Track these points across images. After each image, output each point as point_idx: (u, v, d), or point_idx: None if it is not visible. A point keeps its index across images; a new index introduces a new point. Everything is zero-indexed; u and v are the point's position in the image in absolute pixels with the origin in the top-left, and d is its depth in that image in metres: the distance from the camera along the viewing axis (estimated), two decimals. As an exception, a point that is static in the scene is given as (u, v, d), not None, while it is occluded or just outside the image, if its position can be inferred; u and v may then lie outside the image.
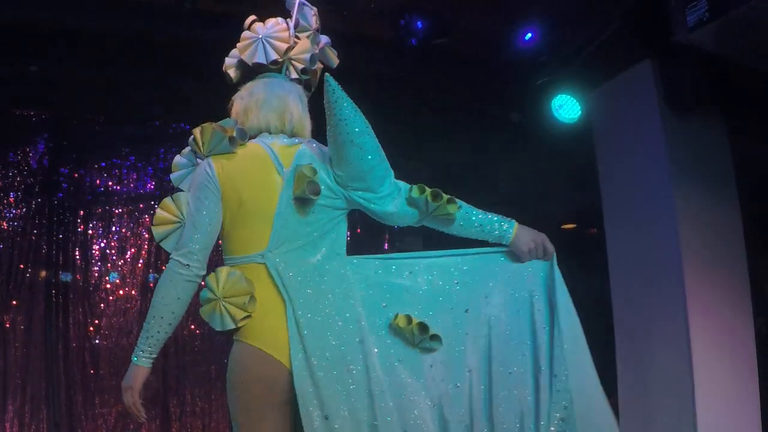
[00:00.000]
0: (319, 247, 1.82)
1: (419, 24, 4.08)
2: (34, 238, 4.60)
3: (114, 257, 4.55)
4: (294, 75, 1.99)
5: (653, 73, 3.95)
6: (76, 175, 4.64)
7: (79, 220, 4.61)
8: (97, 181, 4.67)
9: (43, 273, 4.61)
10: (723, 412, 3.57)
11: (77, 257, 4.58)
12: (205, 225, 1.79)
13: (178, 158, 1.96)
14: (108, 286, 4.56)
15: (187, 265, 1.76)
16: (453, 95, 4.55)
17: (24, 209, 4.62)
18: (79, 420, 4.49)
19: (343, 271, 1.84)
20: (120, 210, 4.64)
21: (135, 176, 4.69)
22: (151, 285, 4.53)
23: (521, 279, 1.93)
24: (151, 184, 4.65)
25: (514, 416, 1.78)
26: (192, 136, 1.88)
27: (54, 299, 4.55)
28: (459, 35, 4.13)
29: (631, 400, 3.95)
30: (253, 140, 1.90)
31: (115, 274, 4.59)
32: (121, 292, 4.56)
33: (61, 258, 4.57)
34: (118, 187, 4.66)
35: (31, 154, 4.66)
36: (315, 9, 2.03)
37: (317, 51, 2.04)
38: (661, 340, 3.83)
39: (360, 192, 1.84)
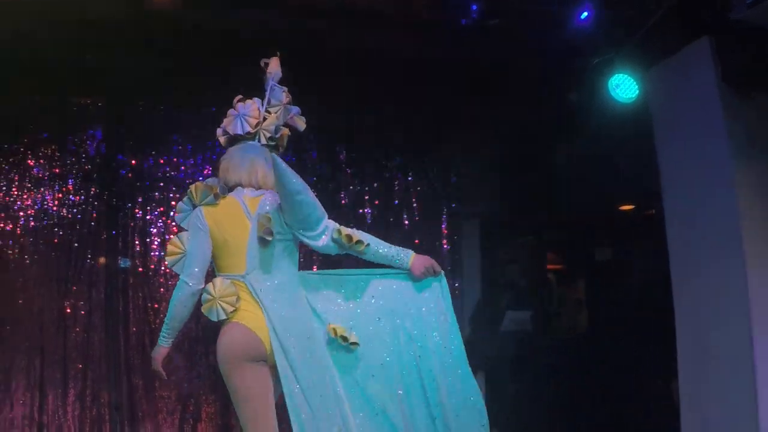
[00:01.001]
0: (279, 269, 2.58)
1: (473, 6, 4.07)
2: (93, 224, 4.67)
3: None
4: (263, 141, 2.72)
5: (711, 50, 3.84)
6: (134, 161, 4.69)
7: (137, 206, 4.66)
8: (155, 168, 4.71)
9: (103, 259, 4.68)
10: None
11: (136, 243, 4.63)
12: (199, 256, 2.57)
13: (180, 204, 2.73)
14: (167, 270, 4.59)
15: (189, 283, 2.54)
16: (509, 76, 4.52)
17: (83, 196, 4.70)
18: (140, 403, 4.55)
19: (296, 288, 2.63)
20: (178, 195, 4.67)
21: (192, 162, 4.73)
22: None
23: (418, 295, 2.68)
24: (208, 170, 4.68)
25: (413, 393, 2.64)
26: (189, 191, 2.66)
27: (114, 284, 4.62)
28: (513, 15, 4.10)
29: (690, 378, 3.92)
30: (231, 193, 2.66)
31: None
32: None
33: (120, 244, 4.63)
34: (175, 173, 4.70)
35: (89, 142, 4.73)
36: (285, 88, 2.79)
37: (282, 122, 2.77)
38: (721, 321, 3.78)
39: (301, 231, 2.58)
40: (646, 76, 4.20)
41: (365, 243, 2.62)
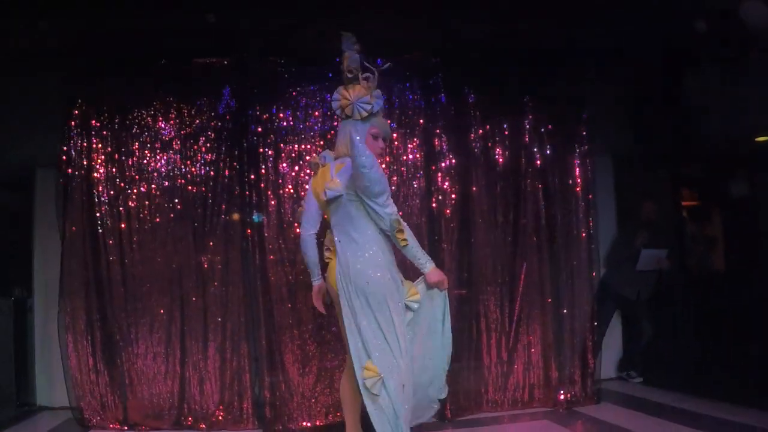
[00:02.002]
0: (353, 225, 3.25)
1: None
2: (226, 180, 4.76)
3: (305, 195, 4.62)
4: (354, 112, 3.26)
5: None
6: (264, 116, 4.73)
7: (269, 161, 4.72)
8: (284, 122, 4.75)
9: (237, 213, 4.76)
10: None
11: (270, 196, 4.69)
12: (307, 212, 3.58)
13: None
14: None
15: (303, 229, 3.59)
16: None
17: (214, 154, 4.78)
18: (279, 353, 4.62)
19: (371, 244, 3.25)
20: (308, 147, 4.72)
21: (319, 114, 4.75)
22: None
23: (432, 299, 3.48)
24: (337, 121, 4.71)
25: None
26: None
27: (249, 238, 4.69)
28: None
29: None
30: (332, 161, 3.47)
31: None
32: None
33: (254, 198, 4.70)
34: (303, 126, 4.73)
35: (216, 100, 4.81)
36: (346, 53, 3.27)
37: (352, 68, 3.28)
38: None
39: (365, 197, 3.18)
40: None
41: (407, 241, 3.25)
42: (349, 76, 3.27)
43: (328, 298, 3.63)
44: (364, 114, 3.23)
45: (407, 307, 3.33)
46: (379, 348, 3.15)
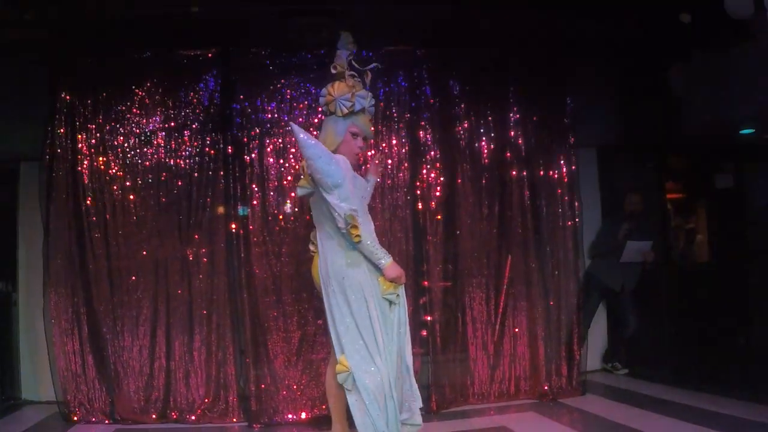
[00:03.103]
0: (328, 220, 3.29)
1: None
2: (210, 173, 4.74)
3: (290, 187, 4.63)
4: (338, 107, 3.40)
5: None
6: (249, 108, 4.71)
7: (253, 153, 4.70)
8: (269, 114, 4.73)
9: (222, 206, 4.75)
10: None
11: (254, 188, 4.67)
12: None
13: None
14: (287, 212, 4.65)
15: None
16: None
17: (199, 146, 4.77)
18: (265, 346, 4.60)
19: (341, 238, 3.27)
20: (293, 139, 4.69)
21: (305, 104, 4.73)
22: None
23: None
24: (319, 114, 4.71)
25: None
26: None
27: (234, 230, 4.67)
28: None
29: None
30: None
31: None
32: (298, 219, 4.64)
33: (238, 190, 4.68)
34: (288, 117, 4.70)
35: (201, 92, 4.79)
36: (339, 52, 3.51)
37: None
38: None
39: (321, 190, 3.22)
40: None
41: (360, 237, 3.19)
42: (333, 71, 3.45)
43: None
44: (345, 111, 3.36)
45: (389, 302, 3.30)
46: (351, 344, 3.19)
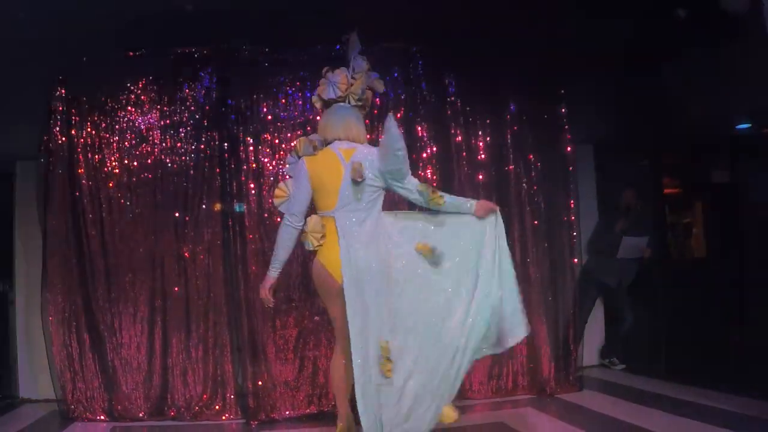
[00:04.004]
0: (364, 209, 3.19)
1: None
2: (206, 170, 4.75)
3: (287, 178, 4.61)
4: (353, 102, 3.42)
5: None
6: (243, 105, 4.71)
7: (249, 149, 4.70)
8: (264, 110, 4.73)
9: (218, 203, 4.75)
10: None
11: (251, 185, 4.67)
12: (300, 199, 3.27)
13: (288, 157, 3.51)
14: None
15: (291, 221, 3.26)
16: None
17: (195, 144, 4.77)
18: (262, 343, 4.60)
19: (378, 227, 3.20)
20: (289, 135, 4.70)
21: (301, 102, 4.72)
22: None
23: (481, 230, 3.28)
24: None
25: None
26: (294, 145, 3.43)
27: (230, 228, 4.67)
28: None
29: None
30: (328, 145, 3.30)
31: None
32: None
33: (234, 187, 4.68)
34: (285, 114, 4.71)
35: (197, 90, 4.79)
36: (365, 57, 3.48)
37: (365, 86, 3.46)
38: None
39: (391, 179, 3.21)
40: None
41: (443, 197, 3.24)
42: (353, 79, 3.47)
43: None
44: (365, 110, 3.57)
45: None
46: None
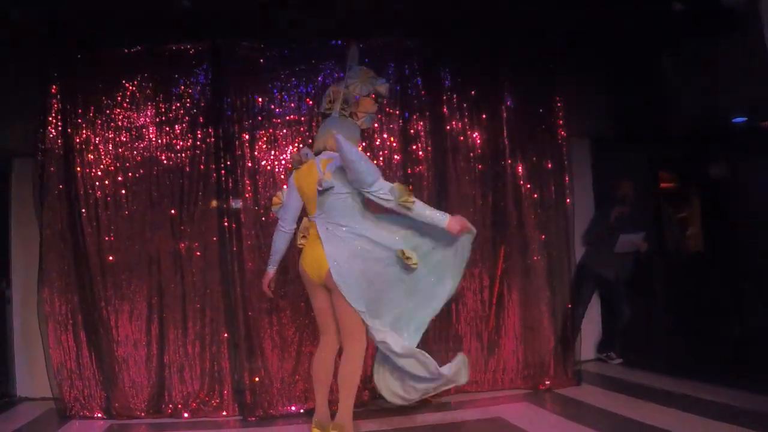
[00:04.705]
0: (341, 215, 3.47)
1: None
2: (202, 167, 4.74)
3: (282, 179, 4.62)
4: (338, 113, 3.64)
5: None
6: (239, 101, 4.71)
7: (245, 146, 4.69)
8: (260, 106, 4.72)
9: (214, 200, 4.74)
10: None
11: (246, 182, 4.67)
12: (290, 207, 3.74)
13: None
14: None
15: (283, 226, 3.77)
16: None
17: (191, 140, 4.76)
18: (258, 339, 4.61)
19: (359, 230, 3.46)
20: (284, 132, 4.70)
21: (296, 97, 4.72)
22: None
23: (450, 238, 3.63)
24: (313, 104, 4.71)
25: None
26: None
27: (226, 224, 4.67)
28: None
29: None
30: (315, 156, 3.62)
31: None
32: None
33: (230, 184, 4.67)
34: (280, 110, 4.70)
35: (192, 86, 4.78)
36: (363, 67, 3.78)
37: (359, 93, 3.68)
38: None
39: (360, 187, 3.42)
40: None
41: (414, 201, 3.40)
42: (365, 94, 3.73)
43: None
44: (367, 126, 3.81)
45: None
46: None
